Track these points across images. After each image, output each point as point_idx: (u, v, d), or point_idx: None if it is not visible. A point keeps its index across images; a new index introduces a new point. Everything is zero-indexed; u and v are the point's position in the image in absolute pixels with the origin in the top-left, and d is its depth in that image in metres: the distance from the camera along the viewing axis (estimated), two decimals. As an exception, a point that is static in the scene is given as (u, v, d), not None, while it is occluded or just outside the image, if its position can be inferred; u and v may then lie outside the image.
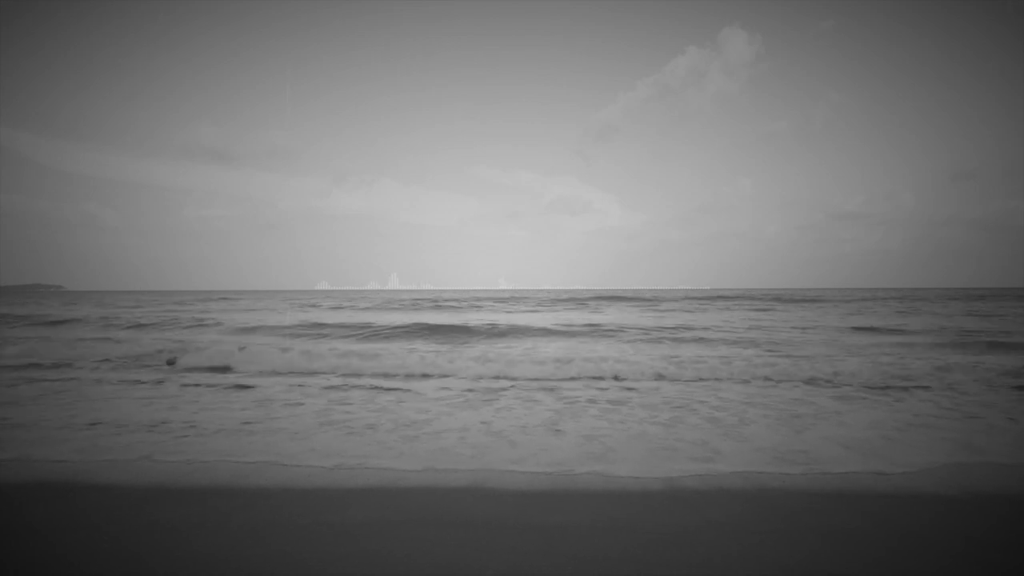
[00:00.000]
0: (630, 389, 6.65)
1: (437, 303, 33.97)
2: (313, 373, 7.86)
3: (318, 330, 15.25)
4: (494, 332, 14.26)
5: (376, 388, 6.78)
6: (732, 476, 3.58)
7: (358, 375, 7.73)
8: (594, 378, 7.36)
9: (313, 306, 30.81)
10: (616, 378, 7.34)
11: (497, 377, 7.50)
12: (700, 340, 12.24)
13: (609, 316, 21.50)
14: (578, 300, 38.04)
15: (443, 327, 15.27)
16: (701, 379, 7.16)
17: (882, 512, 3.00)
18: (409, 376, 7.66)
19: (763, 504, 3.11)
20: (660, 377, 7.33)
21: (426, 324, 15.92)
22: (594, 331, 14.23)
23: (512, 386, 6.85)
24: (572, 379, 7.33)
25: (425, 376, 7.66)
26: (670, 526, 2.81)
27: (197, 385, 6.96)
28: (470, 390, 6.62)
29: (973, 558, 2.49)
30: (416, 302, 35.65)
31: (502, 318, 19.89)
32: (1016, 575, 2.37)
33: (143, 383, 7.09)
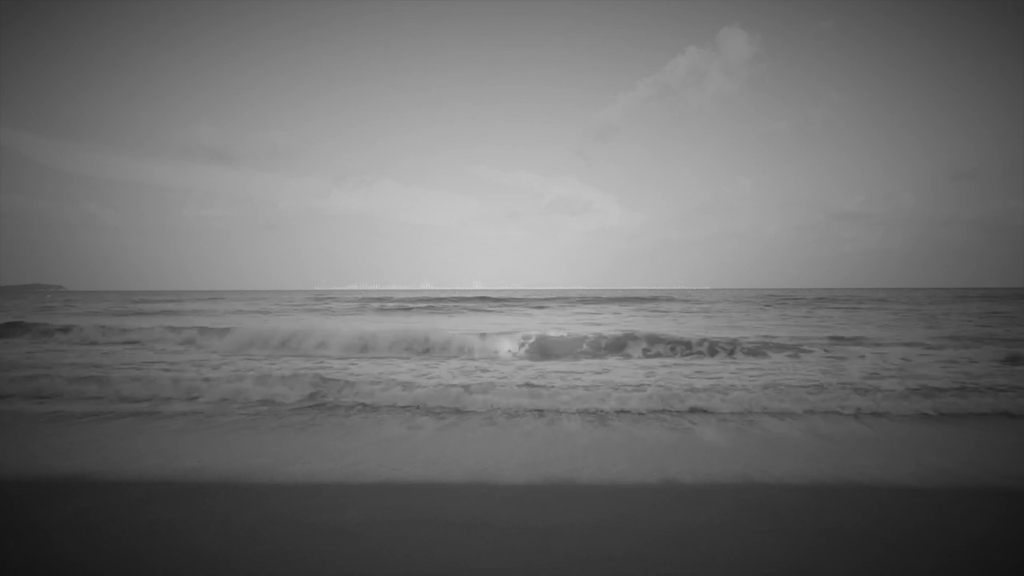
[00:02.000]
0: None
1: (385, 304, 32.82)
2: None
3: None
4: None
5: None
6: (732, 476, 3.58)
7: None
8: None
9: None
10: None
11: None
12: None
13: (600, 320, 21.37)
14: (571, 300, 38.07)
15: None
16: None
17: (882, 511, 3.00)
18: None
19: (763, 503, 3.11)
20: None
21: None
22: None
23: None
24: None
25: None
26: (671, 525, 2.81)
27: None
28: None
29: (973, 557, 2.49)
30: (365, 302, 34.42)
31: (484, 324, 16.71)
32: (1016, 574, 2.37)
33: None
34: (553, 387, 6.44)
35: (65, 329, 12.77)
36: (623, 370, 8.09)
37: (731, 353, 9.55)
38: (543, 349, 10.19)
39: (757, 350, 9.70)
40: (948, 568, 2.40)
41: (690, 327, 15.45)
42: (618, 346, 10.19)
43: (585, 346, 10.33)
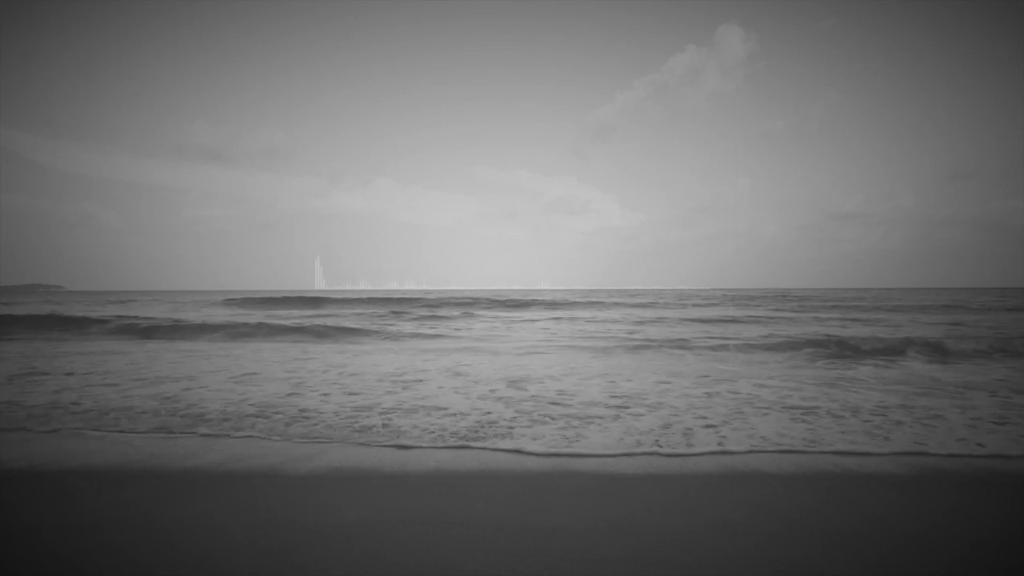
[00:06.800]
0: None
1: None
2: None
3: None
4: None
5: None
6: (731, 477, 3.58)
7: None
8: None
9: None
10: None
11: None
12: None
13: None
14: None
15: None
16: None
17: (882, 513, 3.00)
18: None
19: (761, 505, 3.11)
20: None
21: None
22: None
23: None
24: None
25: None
26: (669, 527, 2.81)
27: None
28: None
29: (974, 559, 2.49)
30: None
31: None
32: (1017, 574, 2.37)
33: None
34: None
35: None
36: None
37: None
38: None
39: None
40: (949, 568, 2.40)
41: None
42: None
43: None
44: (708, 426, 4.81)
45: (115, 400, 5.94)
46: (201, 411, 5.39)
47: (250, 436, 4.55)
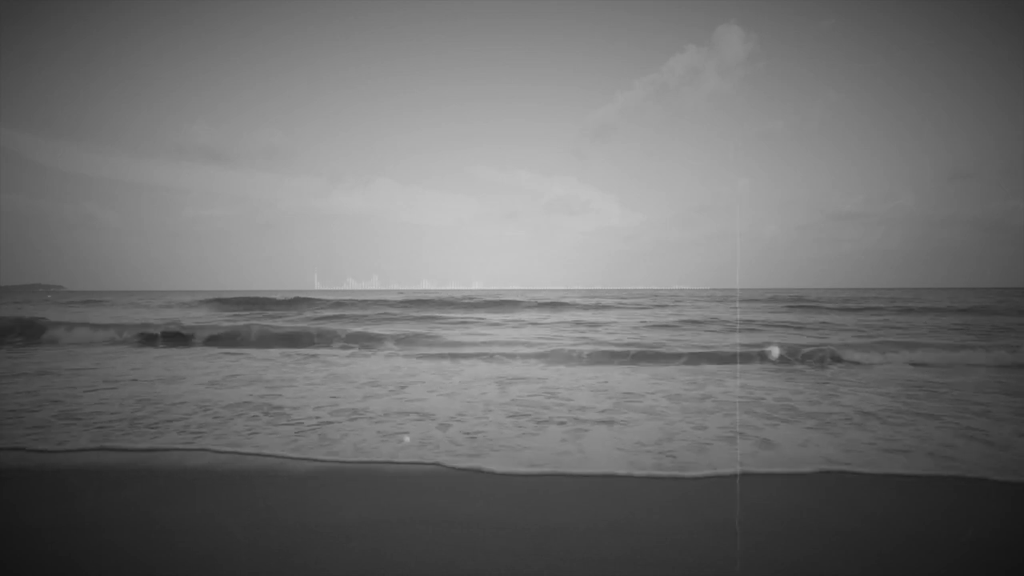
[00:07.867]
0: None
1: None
2: None
3: None
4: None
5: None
6: (731, 477, 3.58)
7: None
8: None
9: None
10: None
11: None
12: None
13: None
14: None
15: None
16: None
17: (882, 513, 3.00)
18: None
19: (761, 505, 3.11)
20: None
21: None
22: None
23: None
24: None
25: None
26: (669, 527, 2.81)
27: None
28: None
29: (974, 559, 2.49)
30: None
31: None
32: (1017, 574, 2.37)
33: None
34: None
35: None
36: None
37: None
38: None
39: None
40: (949, 568, 2.40)
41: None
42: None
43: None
44: (722, 438, 4.49)
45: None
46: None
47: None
